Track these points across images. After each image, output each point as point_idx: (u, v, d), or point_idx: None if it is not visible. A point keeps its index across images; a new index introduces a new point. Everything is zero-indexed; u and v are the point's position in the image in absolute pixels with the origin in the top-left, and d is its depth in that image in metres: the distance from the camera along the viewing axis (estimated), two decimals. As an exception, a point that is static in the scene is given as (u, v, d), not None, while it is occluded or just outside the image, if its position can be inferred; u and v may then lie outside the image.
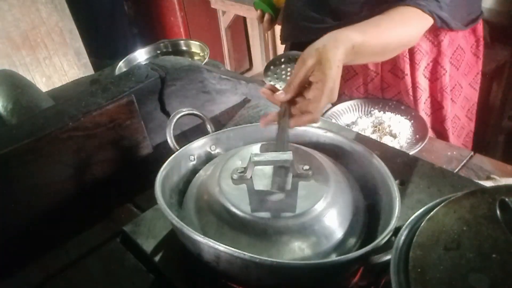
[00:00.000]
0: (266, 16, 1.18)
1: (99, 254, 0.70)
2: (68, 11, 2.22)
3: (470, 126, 1.25)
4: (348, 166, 0.71)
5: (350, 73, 1.17)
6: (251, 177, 0.58)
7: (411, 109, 1.12)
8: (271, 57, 2.96)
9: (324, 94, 0.64)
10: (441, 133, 1.18)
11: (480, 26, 1.12)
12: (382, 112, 1.12)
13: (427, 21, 0.89)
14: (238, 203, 0.55)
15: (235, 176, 0.59)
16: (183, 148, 0.70)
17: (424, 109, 1.14)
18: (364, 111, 1.15)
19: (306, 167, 0.60)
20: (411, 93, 1.12)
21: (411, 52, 1.08)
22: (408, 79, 1.11)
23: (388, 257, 0.49)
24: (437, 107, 1.15)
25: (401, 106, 1.13)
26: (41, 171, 0.77)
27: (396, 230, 0.52)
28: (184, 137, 0.90)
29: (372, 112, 1.13)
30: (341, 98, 1.21)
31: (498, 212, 0.41)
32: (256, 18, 1.21)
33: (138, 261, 0.67)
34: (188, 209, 0.61)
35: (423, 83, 1.11)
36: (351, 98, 1.19)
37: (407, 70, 1.10)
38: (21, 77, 0.94)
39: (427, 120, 1.15)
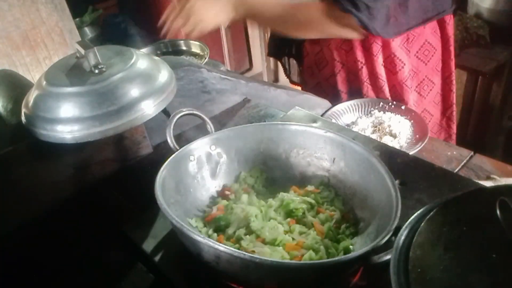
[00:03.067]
0: None
1: (99, 254, 0.70)
2: (68, 11, 2.21)
3: (451, 128, 1.27)
4: (348, 166, 0.72)
5: (323, 62, 1.21)
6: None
7: (411, 109, 1.12)
8: (271, 57, 2.96)
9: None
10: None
11: (449, 26, 1.13)
12: (382, 112, 1.12)
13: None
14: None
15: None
16: (183, 148, 0.70)
17: (388, 98, 1.17)
18: (364, 111, 1.15)
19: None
20: (369, 82, 1.15)
21: (368, 43, 1.10)
22: (365, 69, 1.14)
23: (388, 257, 0.49)
24: (398, 98, 1.17)
25: (401, 106, 1.13)
26: (41, 171, 0.77)
27: (396, 230, 0.52)
28: (184, 137, 0.90)
29: (372, 112, 1.13)
30: (323, 91, 1.23)
31: (498, 212, 0.41)
32: None
33: (138, 261, 0.67)
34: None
35: (383, 73, 1.14)
36: (350, 98, 1.19)
37: (364, 60, 1.13)
38: (21, 77, 0.94)
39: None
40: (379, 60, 1.12)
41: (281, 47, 1.36)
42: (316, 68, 1.24)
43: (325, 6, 1.00)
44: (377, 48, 1.10)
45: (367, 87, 1.16)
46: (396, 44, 1.09)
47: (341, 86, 1.20)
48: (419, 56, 1.14)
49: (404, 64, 1.12)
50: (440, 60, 1.17)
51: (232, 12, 1.03)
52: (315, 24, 1.03)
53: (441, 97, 1.22)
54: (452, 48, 1.16)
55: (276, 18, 1.05)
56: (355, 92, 1.19)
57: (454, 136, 1.29)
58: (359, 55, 1.12)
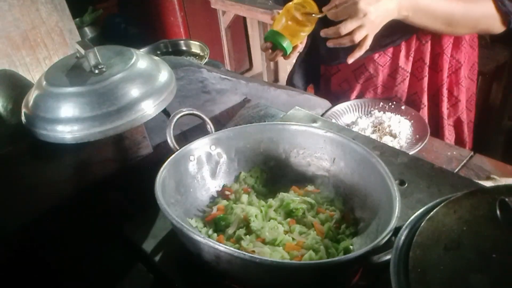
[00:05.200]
0: (277, 52, 1.03)
1: (99, 254, 0.70)
2: (68, 11, 2.22)
3: (469, 116, 1.26)
4: (348, 166, 0.72)
5: (366, 76, 1.17)
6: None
7: (411, 109, 1.12)
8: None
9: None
10: (458, 127, 1.19)
11: None
12: (382, 112, 1.12)
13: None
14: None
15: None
16: (183, 148, 0.70)
17: (445, 105, 1.15)
18: (364, 111, 1.15)
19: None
20: (426, 90, 1.13)
21: (440, 48, 1.09)
22: (429, 78, 1.12)
23: (388, 257, 0.49)
24: (454, 101, 1.15)
25: (401, 106, 1.13)
26: (41, 171, 0.77)
27: (396, 230, 0.52)
28: (184, 137, 0.90)
29: (372, 112, 1.13)
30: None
31: (498, 212, 0.41)
32: (262, 48, 1.07)
33: (138, 261, 0.67)
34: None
35: (445, 79, 1.13)
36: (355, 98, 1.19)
37: (429, 66, 1.11)
38: (21, 77, 0.94)
39: (446, 114, 1.16)
40: (446, 66, 1.11)
41: (305, 77, 1.32)
42: (356, 82, 1.19)
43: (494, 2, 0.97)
44: (448, 51, 1.09)
45: (426, 96, 1.15)
46: (454, 44, 1.09)
47: (401, 94, 1.17)
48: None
49: (461, 65, 1.12)
50: (468, 56, 1.17)
51: (397, 8, 0.92)
52: (485, 20, 0.99)
53: (467, 90, 1.22)
54: (476, 39, 1.17)
55: (444, 13, 0.97)
56: (412, 101, 1.17)
57: (471, 124, 1.28)
58: (427, 61, 1.11)
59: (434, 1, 0.95)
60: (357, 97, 1.20)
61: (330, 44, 0.92)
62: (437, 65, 1.12)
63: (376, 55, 1.12)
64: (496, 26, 1.00)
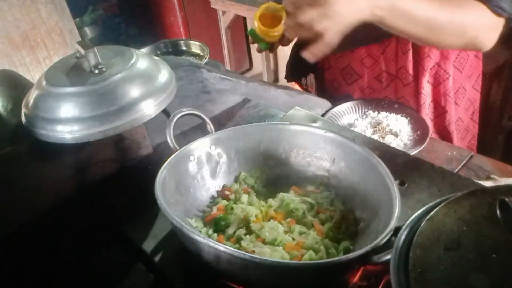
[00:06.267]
0: (257, 47, 1.06)
1: (99, 254, 0.70)
2: (68, 11, 2.22)
3: (475, 128, 1.25)
4: (348, 166, 0.72)
5: (353, 77, 1.17)
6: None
7: (404, 106, 1.12)
8: (271, 58, 2.97)
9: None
10: (445, 137, 1.17)
11: None
12: (376, 112, 1.11)
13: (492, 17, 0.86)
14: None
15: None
16: (183, 148, 0.70)
17: (427, 114, 1.14)
18: (360, 112, 1.14)
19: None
20: (412, 97, 1.13)
21: (421, 57, 1.07)
22: (413, 85, 1.11)
23: (388, 257, 0.49)
24: (440, 111, 1.14)
25: (394, 104, 1.12)
26: (41, 171, 0.77)
27: (396, 230, 0.52)
28: (184, 137, 0.90)
29: (367, 113, 1.12)
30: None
31: (498, 212, 0.41)
32: (250, 42, 1.08)
33: (138, 261, 0.67)
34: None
35: (427, 88, 1.11)
36: (351, 99, 1.18)
37: (413, 75, 1.10)
38: (21, 77, 0.94)
39: (430, 124, 1.14)
40: (427, 75, 1.09)
41: (302, 66, 1.28)
42: (344, 82, 1.19)
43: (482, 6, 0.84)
44: (429, 61, 1.07)
45: (408, 102, 1.14)
46: (441, 54, 1.07)
47: (390, 97, 1.16)
48: (456, 65, 1.11)
49: (449, 75, 1.09)
50: (470, 66, 1.15)
51: (370, 5, 0.81)
52: (473, 26, 0.87)
53: (469, 101, 1.20)
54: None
55: (425, 16, 0.84)
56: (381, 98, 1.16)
57: (476, 137, 1.26)
58: (410, 69, 1.09)
59: (414, 2, 0.83)
60: (346, 97, 1.21)
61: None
62: (418, 76, 1.10)
63: (363, 54, 1.12)
64: (487, 35, 0.90)
